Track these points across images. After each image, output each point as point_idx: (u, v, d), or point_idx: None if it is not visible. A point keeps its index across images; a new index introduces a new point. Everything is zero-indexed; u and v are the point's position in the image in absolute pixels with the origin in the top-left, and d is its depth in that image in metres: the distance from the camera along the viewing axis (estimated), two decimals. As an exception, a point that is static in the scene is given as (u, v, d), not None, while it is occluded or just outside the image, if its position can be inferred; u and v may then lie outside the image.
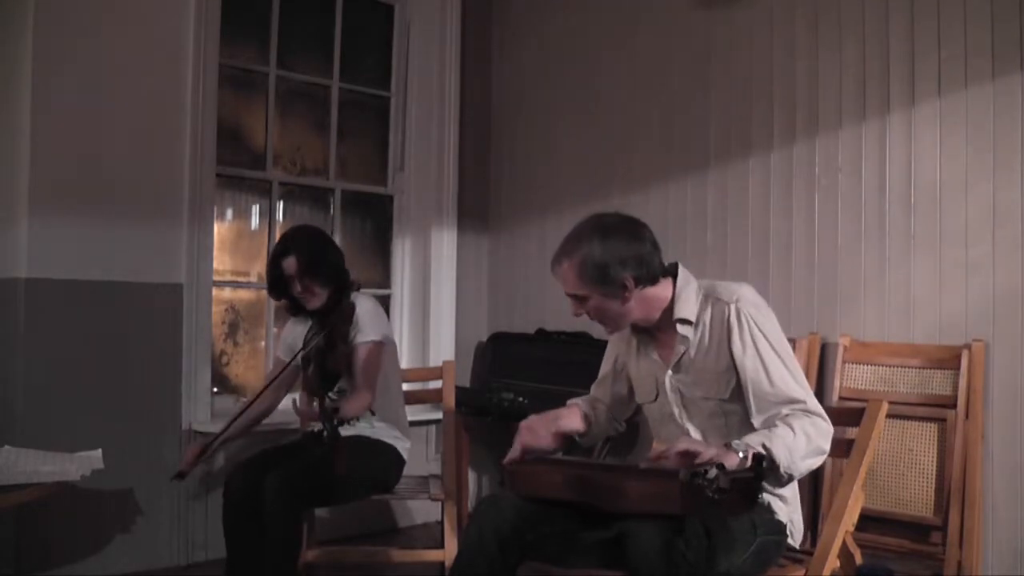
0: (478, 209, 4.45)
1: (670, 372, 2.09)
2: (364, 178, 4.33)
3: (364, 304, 2.88)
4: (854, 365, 3.12)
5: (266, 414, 3.03)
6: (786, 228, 3.36)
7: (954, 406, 2.85)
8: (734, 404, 2.02)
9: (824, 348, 3.20)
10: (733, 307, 2.00)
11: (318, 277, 2.84)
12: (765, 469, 1.81)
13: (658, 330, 2.11)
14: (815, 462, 1.91)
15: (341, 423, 2.51)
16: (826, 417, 1.94)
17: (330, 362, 2.70)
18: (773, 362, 1.96)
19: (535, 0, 4.37)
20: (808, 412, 1.92)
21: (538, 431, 2.12)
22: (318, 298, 2.85)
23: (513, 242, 4.39)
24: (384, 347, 2.90)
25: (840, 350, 3.13)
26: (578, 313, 2.07)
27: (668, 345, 2.10)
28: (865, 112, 3.16)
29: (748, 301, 2.01)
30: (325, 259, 2.88)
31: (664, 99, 3.78)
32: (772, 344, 1.97)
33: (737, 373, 1.99)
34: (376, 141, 4.38)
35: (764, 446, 1.82)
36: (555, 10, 4.26)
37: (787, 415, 1.91)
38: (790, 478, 1.87)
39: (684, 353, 2.06)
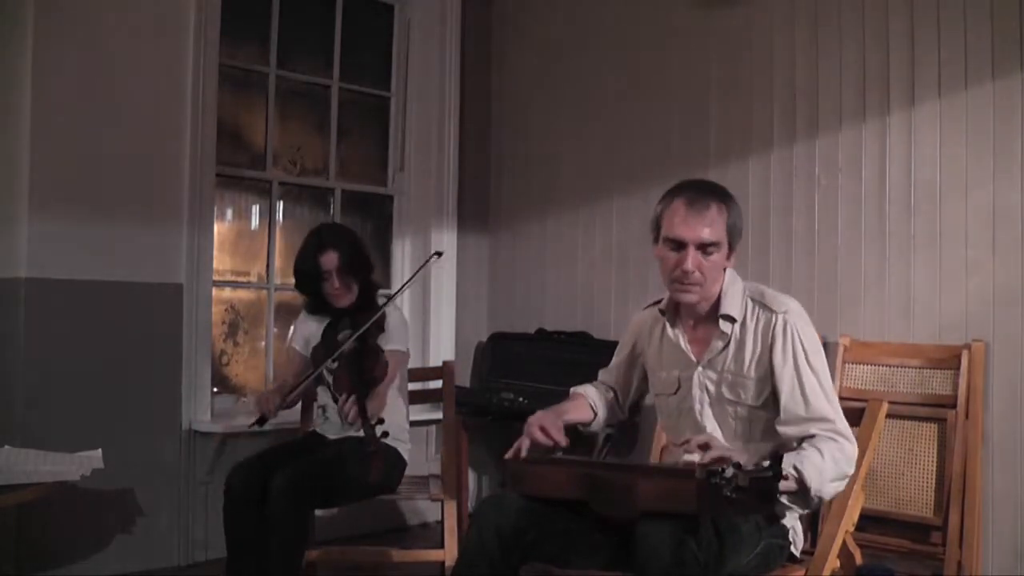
0: (478, 209, 4.45)
1: (700, 368, 2.08)
2: (364, 178, 4.33)
3: (393, 311, 2.90)
4: (854, 365, 3.12)
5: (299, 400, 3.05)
6: (786, 228, 3.36)
7: (954, 406, 2.85)
8: (762, 411, 2.02)
9: (824, 348, 3.17)
10: (781, 317, 2.00)
11: (356, 274, 2.87)
12: (795, 491, 1.83)
13: (696, 324, 2.10)
14: (840, 485, 1.92)
15: (384, 435, 2.52)
16: (852, 439, 1.94)
17: (367, 367, 2.70)
18: (809, 379, 1.96)
19: (535, 0, 4.37)
20: (836, 433, 1.92)
21: (549, 428, 2.08)
22: (351, 295, 2.87)
23: (513, 242, 4.39)
24: (404, 356, 2.93)
25: (840, 350, 3.13)
26: (687, 266, 1.96)
27: (702, 340, 2.09)
28: (865, 112, 3.16)
29: (796, 314, 2.01)
30: (363, 256, 2.92)
31: (664, 99, 3.78)
32: (811, 360, 1.98)
33: (773, 383, 1.99)
34: (376, 141, 4.38)
35: (795, 467, 1.82)
36: (555, 10, 4.26)
37: (815, 436, 1.91)
38: (820, 501, 1.89)
39: (721, 351, 2.05)
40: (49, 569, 3.09)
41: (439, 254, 3.08)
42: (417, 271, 3.09)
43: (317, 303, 2.95)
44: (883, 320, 3.11)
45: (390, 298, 2.89)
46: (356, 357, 2.71)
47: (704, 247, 1.97)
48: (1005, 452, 2.81)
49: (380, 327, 2.81)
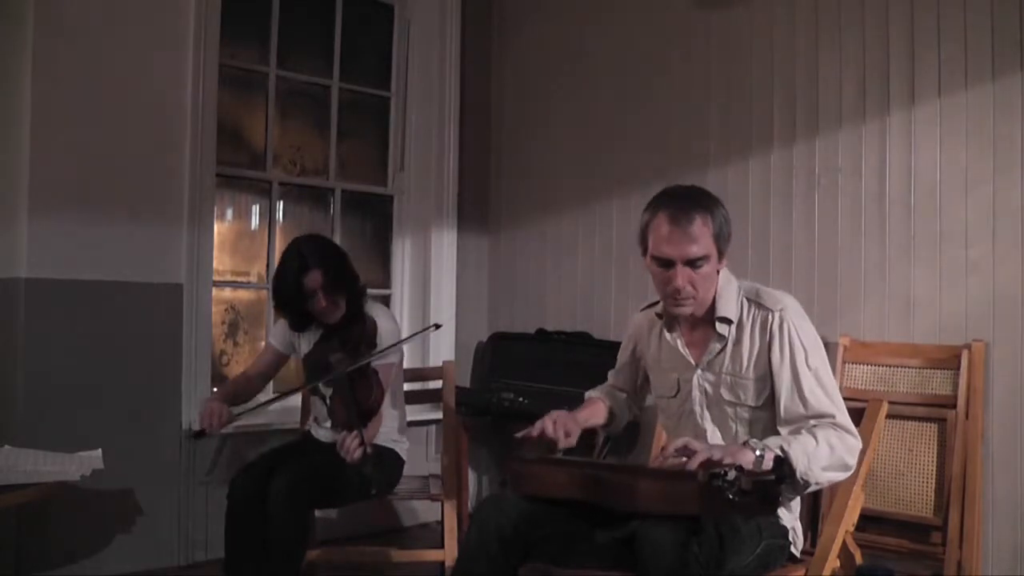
0: (478, 209, 4.45)
1: (700, 371, 2.07)
2: (364, 178, 4.33)
3: (384, 322, 2.84)
4: (854, 365, 3.12)
5: (249, 397, 2.98)
6: (786, 228, 3.36)
7: (954, 406, 2.85)
8: (762, 412, 2.01)
9: (824, 348, 3.18)
10: (777, 315, 1.99)
11: (342, 290, 2.77)
12: (784, 474, 1.81)
13: (693, 327, 2.09)
14: (837, 476, 1.91)
15: (376, 466, 2.52)
16: (855, 433, 1.93)
17: (360, 398, 2.64)
18: (807, 375, 1.95)
19: (535, 0, 4.37)
20: (836, 426, 1.91)
21: (559, 426, 2.06)
22: (339, 311, 2.78)
23: (513, 242, 4.39)
24: (395, 366, 2.90)
25: (840, 350, 3.13)
26: (678, 284, 1.95)
27: (700, 343, 2.08)
28: (865, 112, 3.16)
29: (792, 311, 2.00)
30: (347, 271, 2.82)
31: (664, 99, 3.78)
32: (808, 357, 1.97)
33: (772, 382, 1.98)
34: (376, 141, 4.38)
35: (782, 448, 1.81)
36: (555, 10, 4.26)
37: (814, 426, 1.90)
38: (807, 485, 1.87)
39: (719, 353, 2.04)
40: (49, 569, 3.09)
41: (438, 326, 2.99)
42: (412, 336, 2.95)
43: (302, 321, 2.85)
44: (883, 320, 3.11)
45: (383, 349, 2.76)
46: (349, 386, 2.63)
47: (692, 262, 1.95)
48: (1005, 452, 2.81)
49: (371, 343, 2.74)
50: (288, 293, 2.75)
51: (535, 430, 2.05)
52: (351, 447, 2.48)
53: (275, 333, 3.03)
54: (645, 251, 2.02)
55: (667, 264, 1.96)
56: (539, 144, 4.29)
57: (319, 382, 2.71)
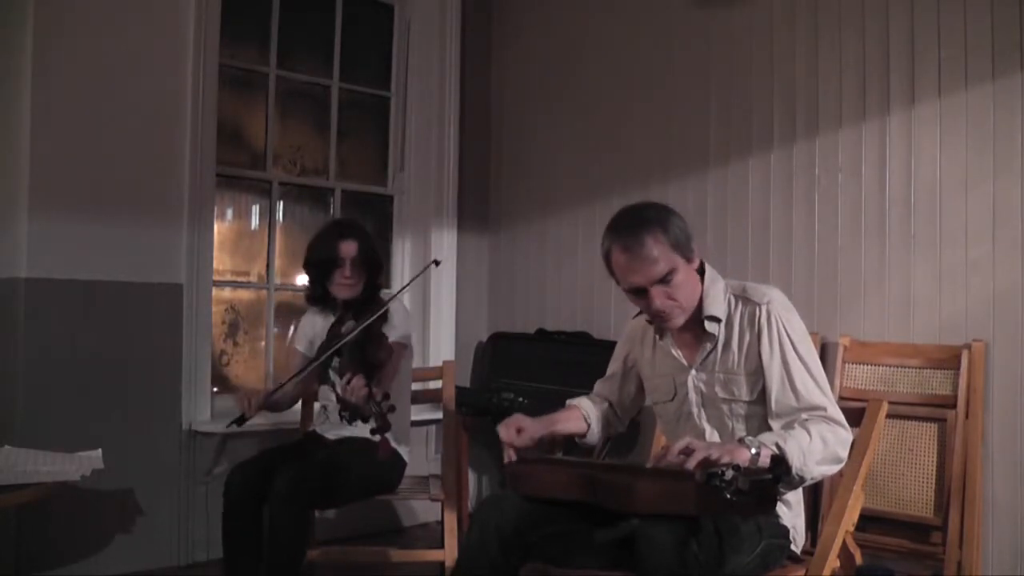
0: (478, 209, 4.45)
1: (694, 371, 2.07)
2: (364, 178, 4.33)
3: (395, 304, 2.89)
4: (854, 365, 3.12)
5: (295, 401, 3.04)
6: (786, 228, 3.36)
7: (954, 406, 2.85)
8: (758, 406, 2.00)
9: (824, 348, 3.20)
10: (764, 308, 1.98)
11: (367, 268, 2.89)
12: (781, 472, 1.80)
13: (683, 329, 2.08)
14: (830, 469, 1.90)
15: (391, 410, 2.38)
16: (846, 426, 1.92)
17: (370, 351, 2.69)
18: (797, 367, 1.95)
19: (535, 0, 4.37)
20: (827, 419, 1.91)
21: (523, 425, 2.06)
22: (357, 288, 2.88)
23: (513, 242, 4.39)
24: (406, 350, 2.92)
25: (840, 350, 3.13)
26: (657, 306, 1.95)
27: (692, 344, 2.08)
28: (865, 112, 3.17)
29: (779, 303, 2.00)
30: (377, 253, 2.97)
31: (664, 99, 3.78)
32: (798, 349, 1.96)
33: (764, 375, 1.98)
34: (376, 141, 4.38)
35: (777, 445, 1.80)
36: (555, 10, 4.26)
37: (806, 420, 1.90)
38: (801, 480, 1.86)
39: (710, 352, 2.04)
40: (49, 569, 3.09)
41: (437, 262, 3.01)
42: (416, 276, 3.13)
43: (319, 293, 2.95)
44: (883, 320, 3.11)
45: (392, 297, 2.88)
46: (359, 345, 2.69)
47: (661, 280, 1.94)
48: (1005, 452, 2.81)
49: (384, 318, 2.80)
50: (321, 253, 2.88)
51: (508, 453, 2.04)
52: (356, 386, 2.39)
53: (296, 337, 3.09)
54: (616, 280, 2.02)
55: (639, 292, 1.97)
56: (539, 144, 4.29)
57: (330, 350, 2.71)
